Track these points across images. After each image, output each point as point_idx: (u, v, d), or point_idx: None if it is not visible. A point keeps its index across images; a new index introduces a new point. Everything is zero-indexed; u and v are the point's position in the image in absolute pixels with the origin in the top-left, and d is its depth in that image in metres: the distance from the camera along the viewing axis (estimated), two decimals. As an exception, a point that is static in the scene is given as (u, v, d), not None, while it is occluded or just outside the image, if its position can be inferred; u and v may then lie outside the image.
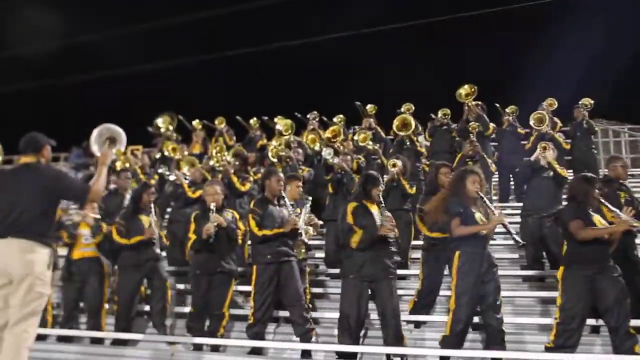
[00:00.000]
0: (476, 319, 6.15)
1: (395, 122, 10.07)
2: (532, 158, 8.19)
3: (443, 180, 6.92)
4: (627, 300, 5.71)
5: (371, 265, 6.17)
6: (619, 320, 5.61)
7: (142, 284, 7.47)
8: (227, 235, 6.95)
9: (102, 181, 4.94)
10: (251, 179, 9.51)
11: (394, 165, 8.26)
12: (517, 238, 6.04)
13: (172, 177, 9.53)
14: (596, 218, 5.87)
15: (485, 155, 9.39)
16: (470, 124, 10.17)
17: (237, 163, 9.47)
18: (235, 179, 9.03)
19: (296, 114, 12.37)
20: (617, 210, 5.91)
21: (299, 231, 6.65)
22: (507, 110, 11.56)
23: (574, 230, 5.77)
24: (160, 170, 10.21)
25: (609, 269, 5.76)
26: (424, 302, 7.01)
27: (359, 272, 6.18)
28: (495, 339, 5.81)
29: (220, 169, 9.55)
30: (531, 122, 9.80)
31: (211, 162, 10.10)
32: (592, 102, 11.41)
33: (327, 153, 9.18)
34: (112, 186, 9.65)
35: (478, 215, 5.87)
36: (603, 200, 6.05)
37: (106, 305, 7.53)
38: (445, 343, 5.85)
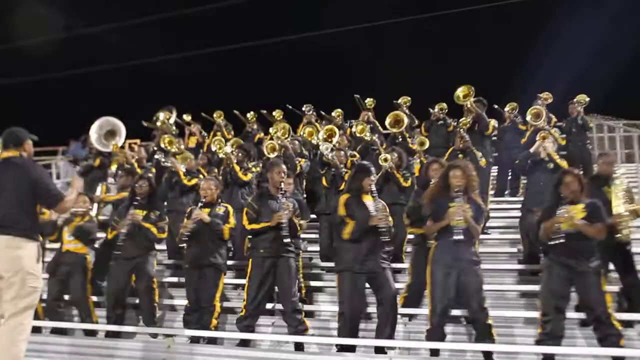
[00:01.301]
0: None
1: (388, 119, 10.03)
2: (532, 150, 8.13)
3: (432, 175, 6.86)
4: (607, 295, 5.68)
5: (364, 257, 6.11)
6: (599, 314, 5.60)
7: (131, 277, 7.34)
8: (210, 231, 6.92)
9: (72, 200, 4.98)
10: (253, 170, 9.45)
11: (385, 160, 8.21)
12: None
13: (168, 164, 9.48)
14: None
15: (474, 150, 9.31)
16: (461, 120, 10.17)
17: (240, 154, 9.40)
18: (237, 168, 8.95)
19: (288, 105, 12.28)
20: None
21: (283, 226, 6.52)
22: (506, 108, 11.50)
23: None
24: (156, 156, 10.18)
25: (589, 262, 5.73)
26: (414, 297, 6.97)
27: (353, 265, 6.12)
28: (481, 333, 5.75)
29: (223, 157, 9.43)
30: (528, 117, 9.74)
31: (213, 148, 10.01)
32: (588, 99, 11.36)
33: (324, 148, 9.14)
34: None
35: (452, 210, 5.79)
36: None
37: (94, 298, 7.50)
38: (429, 336, 5.84)
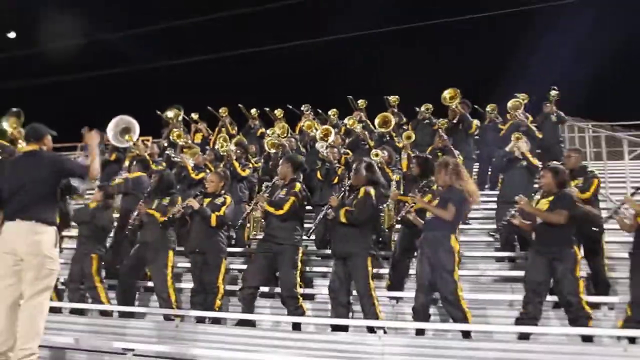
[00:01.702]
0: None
1: (377, 120, 10.05)
2: (507, 149, 8.14)
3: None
4: (580, 280, 5.70)
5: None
6: (571, 297, 5.62)
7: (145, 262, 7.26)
8: (202, 219, 6.95)
9: (96, 159, 4.91)
10: (251, 165, 9.48)
11: (377, 155, 8.21)
12: None
13: (177, 159, 9.49)
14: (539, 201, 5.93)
15: (452, 149, 9.30)
16: (439, 120, 10.19)
17: (238, 151, 9.40)
18: (237, 165, 9.03)
19: (289, 106, 12.27)
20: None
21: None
22: (487, 109, 11.47)
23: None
24: (167, 152, 10.19)
25: (566, 249, 5.73)
26: (396, 282, 7.01)
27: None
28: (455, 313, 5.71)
29: (224, 154, 9.49)
30: (508, 107, 9.73)
31: (217, 146, 10.04)
32: (557, 91, 11.17)
33: (320, 146, 9.17)
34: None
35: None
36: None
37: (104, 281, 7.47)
38: (414, 315, 5.86)
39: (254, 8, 18.28)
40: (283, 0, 17.82)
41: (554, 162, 6.67)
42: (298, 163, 7.17)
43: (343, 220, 6.27)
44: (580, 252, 6.08)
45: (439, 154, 8.87)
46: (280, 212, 6.60)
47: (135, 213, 7.37)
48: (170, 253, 7.11)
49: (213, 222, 6.93)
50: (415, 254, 6.25)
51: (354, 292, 6.37)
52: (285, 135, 10.53)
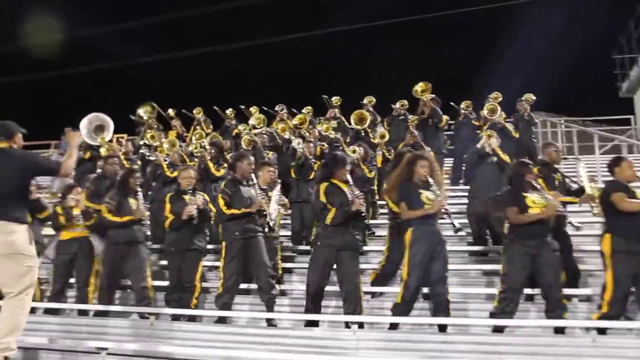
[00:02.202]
0: (425, 290, 6.15)
1: (353, 117, 10.13)
2: (479, 145, 8.21)
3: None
4: (561, 272, 5.76)
5: (341, 236, 6.09)
6: (553, 290, 5.64)
7: (125, 261, 7.11)
8: (202, 216, 6.88)
9: (73, 158, 4.84)
10: (225, 165, 9.39)
11: (354, 152, 8.24)
12: (455, 223, 6.27)
13: (152, 158, 9.42)
14: (530, 199, 5.90)
15: (424, 145, 9.35)
16: (411, 116, 10.27)
17: (213, 151, 9.34)
18: (211, 165, 8.92)
19: (264, 107, 12.23)
20: (548, 196, 5.90)
21: (265, 212, 6.59)
22: (462, 105, 11.57)
23: (509, 216, 5.88)
24: (141, 151, 10.11)
25: (546, 243, 5.79)
26: (384, 276, 6.98)
27: (329, 241, 6.11)
28: (441, 307, 5.78)
29: (198, 155, 9.40)
30: (485, 113, 9.82)
31: (190, 148, 10.00)
32: (534, 97, 11.50)
33: (296, 142, 9.18)
34: (99, 171, 9.49)
35: (424, 195, 5.83)
36: (537, 185, 6.05)
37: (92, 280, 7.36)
38: (395, 310, 5.83)
39: (229, 4, 18.14)
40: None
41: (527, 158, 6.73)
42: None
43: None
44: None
45: (410, 149, 8.88)
46: None
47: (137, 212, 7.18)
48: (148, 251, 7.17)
49: (213, 220, 7.05)
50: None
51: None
52: (260, 124, 10.52)
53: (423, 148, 9.15)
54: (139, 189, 7.44)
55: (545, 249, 5.75)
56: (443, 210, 5.96)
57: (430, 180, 5.90)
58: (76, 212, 7.42)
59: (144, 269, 6.98)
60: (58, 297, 7.30)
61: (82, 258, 7.30)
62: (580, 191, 6.72)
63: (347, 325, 5.93)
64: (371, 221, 8.39)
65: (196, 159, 9.43)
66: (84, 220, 7.36)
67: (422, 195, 5.84)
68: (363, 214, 6.21)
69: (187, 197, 6.95)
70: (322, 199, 6.15)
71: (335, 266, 6.17)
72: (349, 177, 6.31)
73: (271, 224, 6.77)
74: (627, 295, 5.52)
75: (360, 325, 5.78)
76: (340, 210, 6.05)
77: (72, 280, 7.45)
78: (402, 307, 5.80)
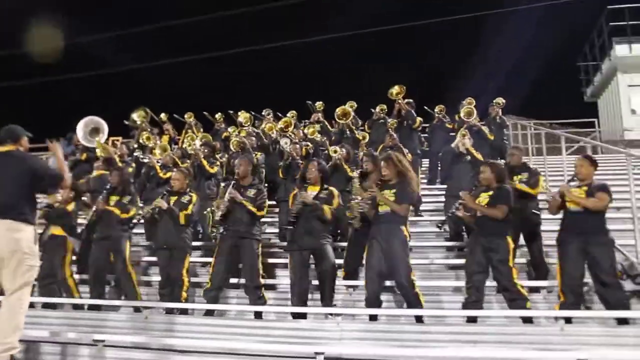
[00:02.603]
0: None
1: (337, 112, 10.17)
2: (453, 145, 8.23)
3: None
4: (512, 268, 5.78)
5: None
6: (505, 282, 5.71)
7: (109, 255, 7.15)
8: (170, 216, 6.88)
9: (66, 170, 4.85)
10: (218, 163, 9.38)
11: (335, 152, 8.24)
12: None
13: (146, 160, 9.37)
14: (483, 195, 6.00)
15: (402, 146, 9.37)
16: (390, 120, 10.31)
17: (206, 150, 9.32)
18: (205, 162, 8.91)
19: (251, 112, 12.18)
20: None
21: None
22: (435, 109, 11.62)
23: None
24: (135, 154, 10.05)
25: (500, 237, 5.81)
26: (350, 270, 6.97)
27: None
28: (410, 300, 5.78)
29: (192, 153, 9.35)
30: (461, 115, 9.86)
31: (185, 146, 9.94)
32: (504, 100, 11.60)
33: (284, 142, 9.16)
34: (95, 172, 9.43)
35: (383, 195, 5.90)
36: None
37: (76, 276, 7.35)
38: (367, 302, 5.87)
39: (223, 13, 18.07)
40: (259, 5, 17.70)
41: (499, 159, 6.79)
42: (255, 164, 7.20)
43: (329, 216, 6.34)
44: (520, 241, 6.20)
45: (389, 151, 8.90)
46: (262, 213, 6.71)
47: (93, 209, 7.22)
48: (128, 246, 7.15)
49: (182, 220, 6.89)
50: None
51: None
52: (248, 123, 10.52)
53: (401, 150, 9.17)
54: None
55: (498, 243, 5.78)
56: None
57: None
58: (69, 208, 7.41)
59: (124, 259, 7.02)
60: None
61: (59, 254, 7.20)
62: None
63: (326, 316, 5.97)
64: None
65: (188, 160, 9.38)
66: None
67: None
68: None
69: (174, 198, 6.96)
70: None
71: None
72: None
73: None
74: (575, 283, 5.60)
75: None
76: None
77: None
78: (370, 300, 5.83)
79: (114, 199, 7.28)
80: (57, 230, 7.28)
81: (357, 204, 6.33)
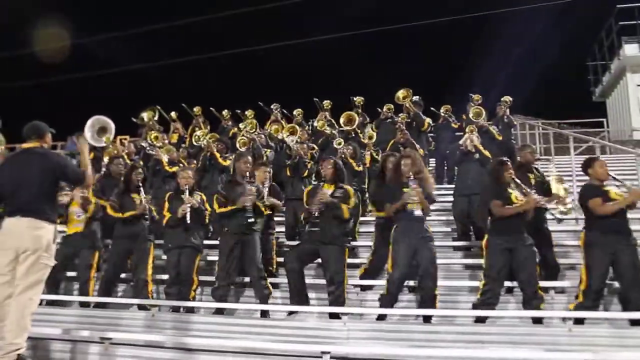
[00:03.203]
0: (412, 282, 6.20)
1: (342, 119, 10.10)
2: (461, 142, 8.17)
3: (388, 167, 6.84)
4: (536, 266, 5.77)
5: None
6: (530, 283, 5.65)
7: (129, 254, 7.13)
8: (196, 215, 6.82)
9: (89, 167, 4.82)
10: (231, 157, 9.33)
11: (339, 144, 8.23)
12: None
13: (152, 152, 9.37)
14: (514, 195, 5.91)
15: (414, 142, 9.33)
16: (400, 115, 10.27)
17: (219, 145, 9.31)
18: (217, 155, 8.87)
19: (260, 103, 12.20)
20: (529, 190, 5.94)
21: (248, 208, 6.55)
22: (442, 109, 11.60)
23: (494, 210, 5.85)
24: (142, 144, 10.05)
25: (523, 239, 5.78)
26: (373, 270, 6.94)
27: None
28: (428, 300, 5.79)
29: (204, 145, 9.24)
30: (470, 116, 9.82)
31: (198, 133, 9.86)
32: (511, 99, 11.52)
33: (290, 140, 9.14)
34: (104, 170, 9.45)
35: (407, 193, 5.85)
36: (517, 181, 6.06)
37: (95, 274, 7.28)
38: (383, 301, 5.86)
39: (232, 11, 18.10)
40: (259, 5, 17.71)
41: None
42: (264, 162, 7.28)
43: (347, 216, 6.31)
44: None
45: (400, 147, 8.87)
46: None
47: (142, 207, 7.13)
48: (152, 247, 7.13)
49: (207, 219, 6.97)
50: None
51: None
52: (253, 130, 10.52)
53: (413, 145, 9.15)
54: (140, 185, 7.34)
55: (521, 244, 5.75)
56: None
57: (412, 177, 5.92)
58: (75, 207, 7.38)
59: (145, 263, 6.96)
60: (56, 289, 7.21)
61: (85, 253, 7.21)
62: (550, 191, 6.78)
63: (331, 315, 5.97)
64: (360, 218, 8.35)
65: (194, 161, 9.37)
66: (84, 213, 7.30)
67: (405, 193, 5.87)
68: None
69: (184, 197, 6.90)
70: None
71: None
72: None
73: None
74: (600, 287, 5.56)
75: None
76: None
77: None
78: (388, 299, 5.82)
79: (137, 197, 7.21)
80: (82, 227, 7.29)
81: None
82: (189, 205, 6.73)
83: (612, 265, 5.55)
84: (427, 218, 8.69)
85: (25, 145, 4.72)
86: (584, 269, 5.66)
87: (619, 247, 5.52)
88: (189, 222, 6.68)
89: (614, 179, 6.03)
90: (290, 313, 6.17)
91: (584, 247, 5.73)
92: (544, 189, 6.73)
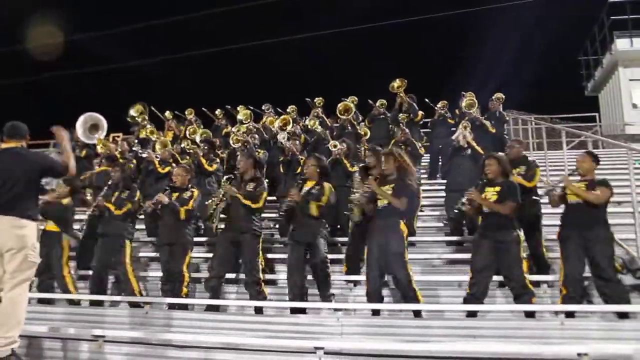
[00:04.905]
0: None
1: (339, 107, 10.08)
2: (454, 137, 8.17)
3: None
4: (523, 260, 5.77)
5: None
6: (515, 278, 5.67)
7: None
8: (170, 211, 6.88)
9: (71, 156, 4.88)
10: (217, 160, 9.34)
11: (334, 146, 8.21)
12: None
13: (144, 155, 9.35)
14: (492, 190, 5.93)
15: (414, 140, 9.33)
16: (400, 114, 10.23)
17: (205, 147, 9.29)
18: (204, 161, 8.88)
19: (250, 107, 12.17)
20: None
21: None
22: (438, 104, 11.60)
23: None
24: (134, 148, 10.03)
25: (510, 234, 5.76)
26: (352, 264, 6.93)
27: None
28: (405, 291, 5.74)
29: (190, 152, 9.33)
30: (463, 107, 9.84)
31: (182, 145, 9.91)
32: (503, 96, 11.54)
33: (281, 137, 9.12)
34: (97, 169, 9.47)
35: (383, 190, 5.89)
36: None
37: (72, 272, 7.34)
38: (368, 299, 5.85)
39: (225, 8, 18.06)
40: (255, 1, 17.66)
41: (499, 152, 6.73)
42: (257, 159, 7.18)
43: (315, 213, 6.38)
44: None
45: (402, 146, 8.85)
46: (257, 205, 6.63)
47: (94, 205, 7.28)
48: (128, 243, 7.13)
49: (182, 215, 6.88)
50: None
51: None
52: (247, 119, 10.49)
53: (414, 144, 9.14)
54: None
55: (507, 239, 5.75)
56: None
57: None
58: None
59: (124, 261, 7.04)
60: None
61: (54, 250, 7.18)
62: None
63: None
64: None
65: (188, 157, 9.37)
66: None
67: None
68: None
69: (175, 194, 6.95)
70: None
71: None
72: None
73: None
74: (577, 273, 5.61)
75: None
76: None
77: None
78: (372, 297, 5.81)
79: (115, 195, 7.32)
80: (50, 226, 7.29)
81: (356, 198, 6.31)
82: (155, 201, 6.86)
83: (587, 258, 5.61)
84: (420, 213, 8.80)
85: (4, 145, 4.76)
86: (561, 262, 5.78)
87: (590, 241, 5.58)
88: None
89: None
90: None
91: (559, 242, 5.86)
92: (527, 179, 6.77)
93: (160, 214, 7.01)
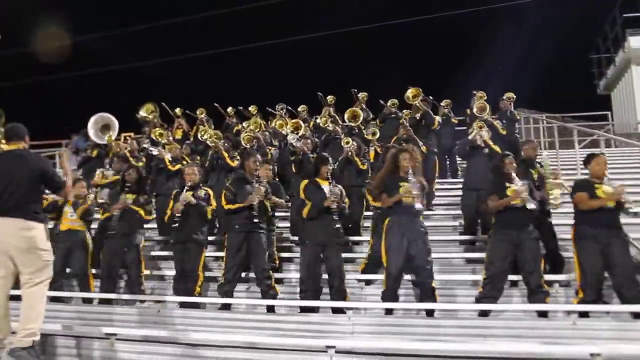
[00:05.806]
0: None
1: (346, 115, 10.03)
2: (470, 137, 8.16)
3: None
4: (541, 260, 5.77)
5: (322, 232, 6.24)
6: (534, 276, 5.65)
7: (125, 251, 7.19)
8: (197, 211, 6.88)
9: (70, 185, 5.05)
10: (238, 157, 9.31)
11: (347, 143, 8.22)
12: None
13: (155, 152, 9.34)
14: (511, 189, 5.92)
15: (416, 139, 9.31)
16: (404, 111, 10.25)
17: (226, 144, 9.30)
18: (225, 155, 8.84)
19: (267, 108, 12.21)
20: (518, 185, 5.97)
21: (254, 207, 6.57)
22: (442, 103, 11.59)
23: (489, 203, 6.02)
24: (144, 145, 10.06)
25: (528, 232, 5.79)
26: (373, 264, 6.93)
27: (313, 238, 6.22)
28: (426, 294, 5.80)
29: (212, 145, 9.24)
30: (474, 111, 9.80)
31: (204, 137, 9.87)
32: (514, 95, 11.48)
33: (292, 138, 9.11)
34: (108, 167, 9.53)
35: (404, 186, 5.85)
36: (513, 175, 6.08)
37: (93, 270, 7.37)
38: (384, 296, 5.87)
39: (226, 10, 18.10)
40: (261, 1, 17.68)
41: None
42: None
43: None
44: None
45: (402, 143, 8.84)
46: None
47: (119, 206, 7.19)
48: (142, 240, 7.30)
49: (209, 215, 6.98)
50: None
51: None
52: (258, 129, 10.52)
53: (416, 141, 9.11)
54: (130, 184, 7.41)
55: (526, 237, 5.76)
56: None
57: (411, 171, 5.94)
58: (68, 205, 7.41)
59: (138, 259, 7.11)
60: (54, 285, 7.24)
61: (77, 250, 7.24)
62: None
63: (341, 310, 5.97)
64: (365, 212, 8.35)
65: (198, 157, 9.39)
66: (75, 213, 7.34)
67: (402, 187, 5.87)
68: (335, 210, 6.33)
69: (182, 195, 6.95)
70: (301, 195, 6.45)
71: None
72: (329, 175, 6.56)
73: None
74: (597, 279, 5.57)
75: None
76: (314, 206, 6.30)
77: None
78: (388, 293, 5.83)
79: (130, 197, 7.27)
80: (75, 226, 7.33)
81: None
82: (184, 202, 6.81)
83: (604, 259, 5.57)
84: (433, 212, 8.80)
85: (7, 147, 4.76)
86: (576, 264, 5.73)
87: (609, 241, 5.57)
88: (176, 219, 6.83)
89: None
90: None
91: (574, 241, 5.81)
92: (545, 183, 6.75)
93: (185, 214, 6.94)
